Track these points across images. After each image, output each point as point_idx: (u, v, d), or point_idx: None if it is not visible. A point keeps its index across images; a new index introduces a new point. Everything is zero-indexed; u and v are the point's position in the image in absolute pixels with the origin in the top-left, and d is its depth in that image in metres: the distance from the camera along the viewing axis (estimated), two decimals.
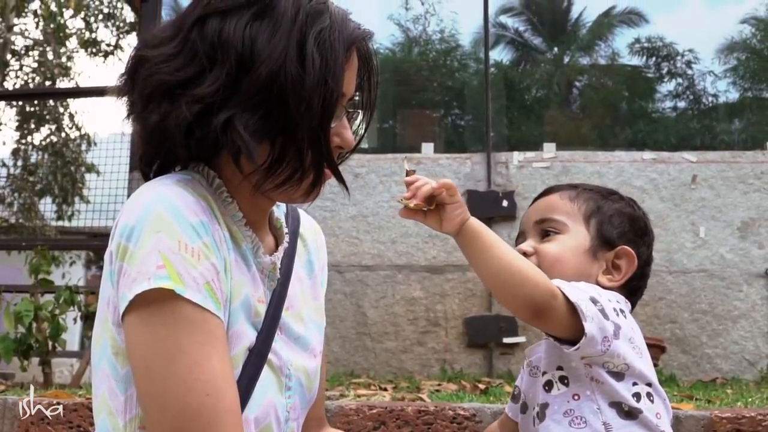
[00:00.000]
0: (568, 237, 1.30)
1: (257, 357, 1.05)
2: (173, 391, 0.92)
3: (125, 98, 1.08)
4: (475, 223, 1.21)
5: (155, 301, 0.93)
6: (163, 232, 0.94)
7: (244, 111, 1.00)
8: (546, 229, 1.31)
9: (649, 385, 1.20)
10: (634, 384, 1.18)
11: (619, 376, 1.18)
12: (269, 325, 1.08)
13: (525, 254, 1.28)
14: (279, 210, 1.23)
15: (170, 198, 0.97)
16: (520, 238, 1.37)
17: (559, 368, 1.21)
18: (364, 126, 1.16)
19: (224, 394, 0.93)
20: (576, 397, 1.18)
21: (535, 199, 1.40)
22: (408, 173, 1.22)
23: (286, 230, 1.22)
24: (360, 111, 1.15)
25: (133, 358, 0.96)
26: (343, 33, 1.05)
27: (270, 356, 1.07)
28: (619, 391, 1.17)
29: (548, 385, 1.21)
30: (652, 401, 1.19)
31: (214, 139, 1.01)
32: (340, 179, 1.10)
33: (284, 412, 1.10)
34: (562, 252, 1.28)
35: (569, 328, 1.14)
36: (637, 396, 1.18)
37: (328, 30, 1.03)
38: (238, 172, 1.04)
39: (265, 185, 1.05)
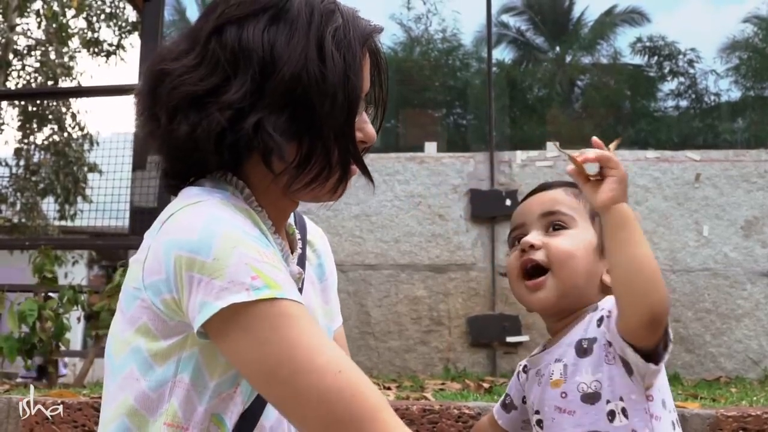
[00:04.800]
0: (578, 232, 1.25)
1: None
2: (305, 384, 0.91)
3: (146, 114, 1.08)
4: (627, 208, 1.12)
5: (253, 309, 0.93)
6: (239, 246, 0.94)
7: (272, 113, 1.02)
8: (554, 223, 1.26)
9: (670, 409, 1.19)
10: (669, 411, 1.17)
11: (664, 404, 1.16)
12: None
13: (533, 247, 1.23)
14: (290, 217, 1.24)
15: (227, 218, 0.98)
16: (518, 230, 1.31)
17: (621, 399, 1.14)
18: (378, 121, 1.17)
19: (351, 365, 0.94)
20: None
21: (531, 193, 1.35)
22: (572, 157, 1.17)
23: (298, 236, 1.23)
24: (374, 106, 1.17)
25: (247, 369, 0.95)
26: (357, 29, 1.08)
27: None
28: (669, 427, 1.14)
29: (611, 416, 1.14)
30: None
31: (246, 142, 1.02)
32: (366, 173, 1.11)
33: None
34: (576, 248, 1.22)
35: (658, 343, 1.11)
36: (673, 425, 1.16)
37: (342, 28, 1.05)
38: (265, 178, 1.06)
39: (294, 184, 1.06)
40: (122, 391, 1.02)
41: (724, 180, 4.19)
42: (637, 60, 6.26)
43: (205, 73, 1.04)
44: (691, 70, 6.02)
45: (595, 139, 1.15)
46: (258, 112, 1.01)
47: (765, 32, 6.03)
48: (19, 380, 4.62)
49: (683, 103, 6.16)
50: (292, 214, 1.25)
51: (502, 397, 1.38)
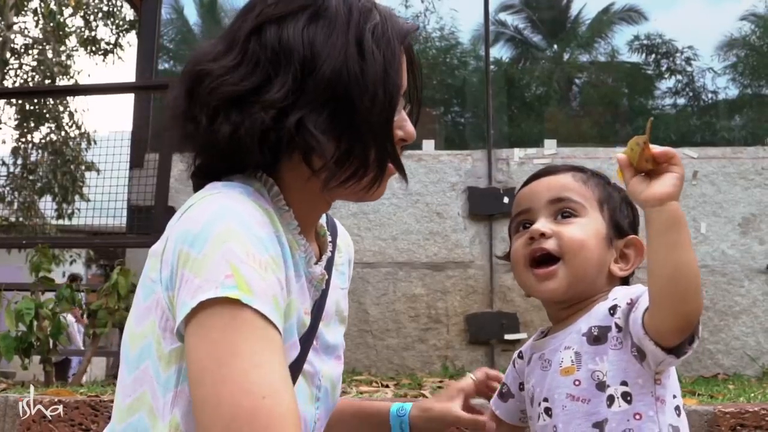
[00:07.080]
0: (588, 221, 1.21)
1: (295, 368, 1.03)
2: (226, 394, 0.86)
3: (183, 116, 1.07)
4: (679, 208, 1.05)
5: (214, 307, 0.89)
6: (230, 242, 0.92)
7: (312, 111, 1.02)
8: (563, 210, 1.22)
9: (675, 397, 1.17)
10: (674, 396, 1.15)
11: (671, 389, 1.14)
12: (308, 335, 1.08)
13: (543, 235, 1.19)
14: (321, 219, 1.23)
15: (238, 211, 0.96)
16: (523, 215, 1.26)
17: (624, 383, 1.11)
18: (414, 118, 1.16)
19: (283, 397, 0.88)
20: (638, 417, 1.10)
21: (537, 176, 1.29)
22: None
23: (329, 239, 1.22)
24: (410, 104, 1.16)
25: (189, 364, 0.92)
26: (395, 27, 1.09)
27: (305, 366, 1.07)
28: (673, 410, 1.13)
29: (610, 400, 1.11)
30: (679, 414, 1.16)
31: (287, 141, 1.01)
32: (402, 171, 1.11)
33: (312, 422, 1.10)
34: (587, 237, 1.19)
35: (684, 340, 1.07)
36: (678, 410, 1.14)
37: (380, 25, 1.07)
38: (301, 176, 1.05)
39: (332, 182, 1.05)
40: (141, 387, 1.00)
41: (722, 177, 4.20)
42: (635, 58, 6.26)
43: (245, 72, 1.03)
44: (689, 68, 6.02)
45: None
46: (299, 111, 1.01)
47: (762, 30, 6.04)
48: None
49: (681, 101, 6.16)
50: (324, 216, 1.23)
51: (499, 388, 1.37)
